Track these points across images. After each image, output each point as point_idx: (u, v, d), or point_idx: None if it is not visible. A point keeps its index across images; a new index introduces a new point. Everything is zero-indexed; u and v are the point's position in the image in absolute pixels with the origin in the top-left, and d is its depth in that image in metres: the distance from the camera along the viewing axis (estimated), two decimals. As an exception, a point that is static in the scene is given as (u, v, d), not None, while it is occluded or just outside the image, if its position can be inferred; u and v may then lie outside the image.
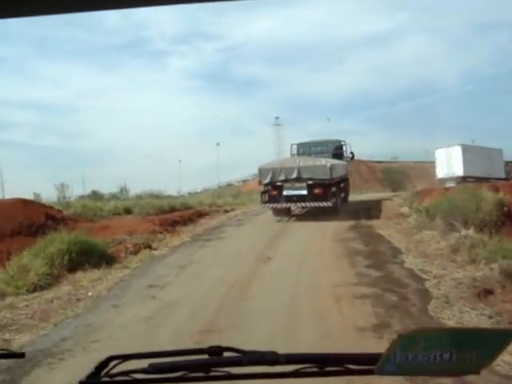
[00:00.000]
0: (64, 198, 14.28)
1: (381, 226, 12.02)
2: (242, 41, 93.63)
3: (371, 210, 15.83)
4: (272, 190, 14.99)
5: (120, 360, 1.13)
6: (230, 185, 73.02)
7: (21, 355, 1.30)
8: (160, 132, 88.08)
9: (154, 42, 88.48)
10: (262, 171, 15.25)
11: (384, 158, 64.09)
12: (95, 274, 7.75)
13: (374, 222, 12.91)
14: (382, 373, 0.89)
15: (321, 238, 10.60)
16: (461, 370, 0.91)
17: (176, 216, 14.52)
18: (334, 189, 14.82)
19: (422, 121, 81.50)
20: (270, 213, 15.27)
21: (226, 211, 18.49)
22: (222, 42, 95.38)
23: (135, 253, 9.58)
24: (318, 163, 14.96)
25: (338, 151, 17.71)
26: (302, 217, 15.40)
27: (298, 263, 8.04)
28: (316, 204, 14.51)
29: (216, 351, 1.08)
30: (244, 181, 72.22)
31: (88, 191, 23.83)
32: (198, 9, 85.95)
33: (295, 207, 15.76)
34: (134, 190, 25.22)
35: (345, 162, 17.42)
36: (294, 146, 17.96)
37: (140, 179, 74.73)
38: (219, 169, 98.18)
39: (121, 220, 13.43)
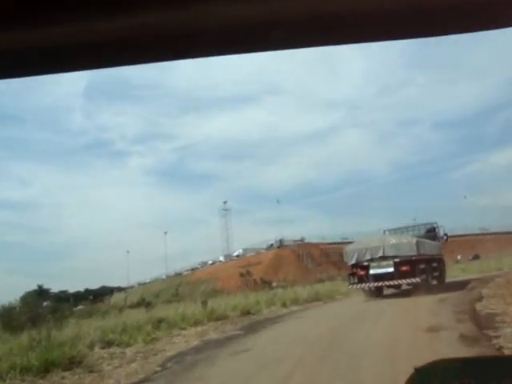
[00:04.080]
0: None
1: None
2: (196, 140, 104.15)
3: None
4: (359, 270, 14.86)
5: None
6: (178, 274, 69.21)
7: None
8: (120, 225, 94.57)
9: (115, 143, 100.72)
10: (347, 253, 15.48)
11: (335, 240, 63.44)
12: None
13: None
14: None
15: None
16: None
17: None
18: (422, 265, 14.49)
19: (359, 205, 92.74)
20: None
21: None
22: (178, 142, 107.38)
23: None
24: (404, 240, 14.85)
25: (430, 233, 17.37)
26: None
27: None
28: (404, 281, 14.29)
29: None
30: (193, 269, 68.37)
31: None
32: (155, 113, 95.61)
33: (385, 287, 15.13)
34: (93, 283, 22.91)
35: (436, 242, 17.03)
36: (387, 232, 17.54)
37: (98, 271, 79.41)
38: (171, 258, 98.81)
39: None
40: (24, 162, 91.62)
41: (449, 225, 70.80)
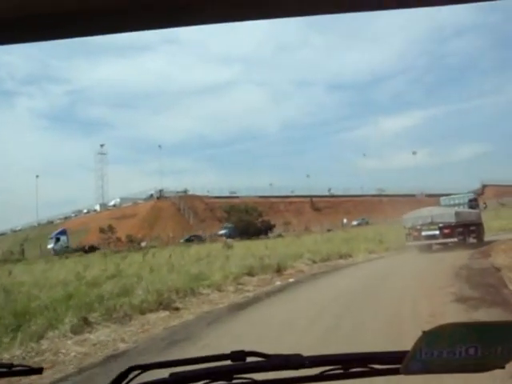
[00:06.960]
0: None
1: None
2: (87, 85, 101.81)
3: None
4: (414, 232, 19.65)
5: (140, 370, 1.01)
6: (50, 222, 64.50)
7: (39, 371, 1.17)
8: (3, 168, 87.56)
9: (3, 82, 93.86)
10: (405, 219, 20.29)
11: (222, 193, 62.08)
12: None
13: None
14: (408, 372, 0.85)
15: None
16: (486, 365, 0.87)
17: None
18: (460, 229, 19.33)
19: (250, 161, 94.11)
20: None
21: None
22: (70, 85, 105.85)
23: None
24: (446, 211, 19.91)
25: (472, 202, 22.60)
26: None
27: None
28: (446, 240, 19.24)
29: (239, 357, 1.00)
30: (66, 218, 64.19)
31: None
32: (46, 54, 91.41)
33: (433, 244, 19.63)
34: None
35: (475, 211, 22.13)
36: (440, 199, 23.96)
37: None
38: (51, 204, 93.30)
39: None
40: None
41: (344, 185, 73.13)
